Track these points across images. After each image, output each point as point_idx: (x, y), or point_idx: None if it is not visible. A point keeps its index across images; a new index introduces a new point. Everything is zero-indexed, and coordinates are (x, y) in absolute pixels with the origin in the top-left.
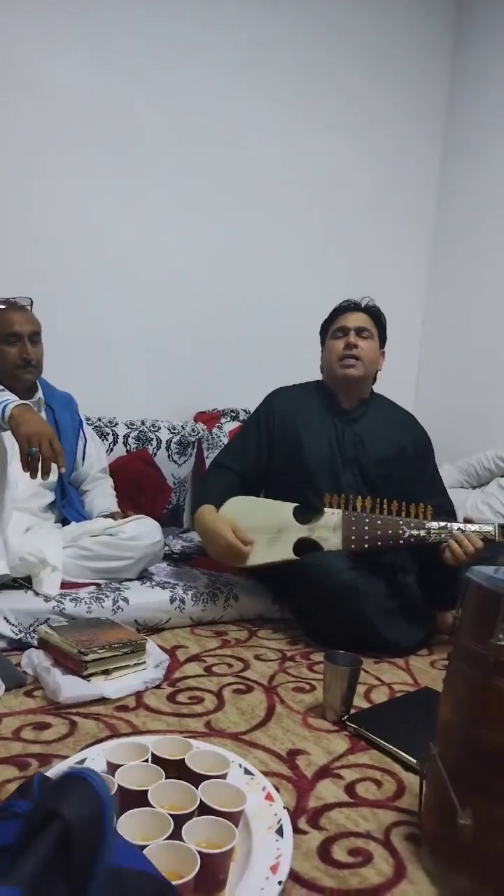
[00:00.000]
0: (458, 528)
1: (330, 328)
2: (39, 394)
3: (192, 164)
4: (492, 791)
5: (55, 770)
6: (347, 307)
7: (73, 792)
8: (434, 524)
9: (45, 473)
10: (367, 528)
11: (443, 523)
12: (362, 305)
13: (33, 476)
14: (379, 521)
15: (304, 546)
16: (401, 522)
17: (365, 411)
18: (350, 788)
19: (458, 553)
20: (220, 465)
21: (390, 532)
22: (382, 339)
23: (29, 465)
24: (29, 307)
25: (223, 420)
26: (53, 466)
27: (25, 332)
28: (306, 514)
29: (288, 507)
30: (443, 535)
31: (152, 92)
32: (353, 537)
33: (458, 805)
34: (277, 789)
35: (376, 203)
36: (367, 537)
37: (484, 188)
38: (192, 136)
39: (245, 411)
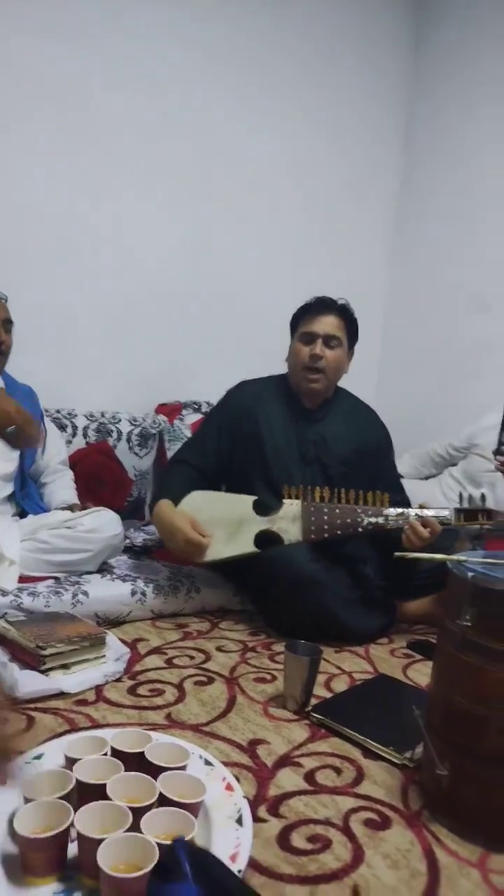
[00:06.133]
0: (416, 514)
1: (299, 326)
2: (0, 384)
3: (153, 147)
4: (461, 747)
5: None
6: (320, 306)
7: None
8: (392, 511)
9: (34, 442)
10: (326, 517)
11: (400, 510)
12: (336, 305)
13: (21, 446)
14: (338, 510)
15: (265, 538)
16: (359, 510)
17: (328, 412)
18: (310, 776)
19: (413, 539)
20: (180, 460)
21: (349, 520)
22: (353, 341)
23: (16, 439)
24: (4, 301)
25: (185, 412)
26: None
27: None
28: (265, 506)
29: (247, 501)
30: (400, 522)
31: (110, 70)
32: (313, 527)
33: (436, 758)
34: (238, 779)
35: (341, 194)
36: (326, 527)
37: (446, 178)
38: (152, 118)
39: (207, 403)
